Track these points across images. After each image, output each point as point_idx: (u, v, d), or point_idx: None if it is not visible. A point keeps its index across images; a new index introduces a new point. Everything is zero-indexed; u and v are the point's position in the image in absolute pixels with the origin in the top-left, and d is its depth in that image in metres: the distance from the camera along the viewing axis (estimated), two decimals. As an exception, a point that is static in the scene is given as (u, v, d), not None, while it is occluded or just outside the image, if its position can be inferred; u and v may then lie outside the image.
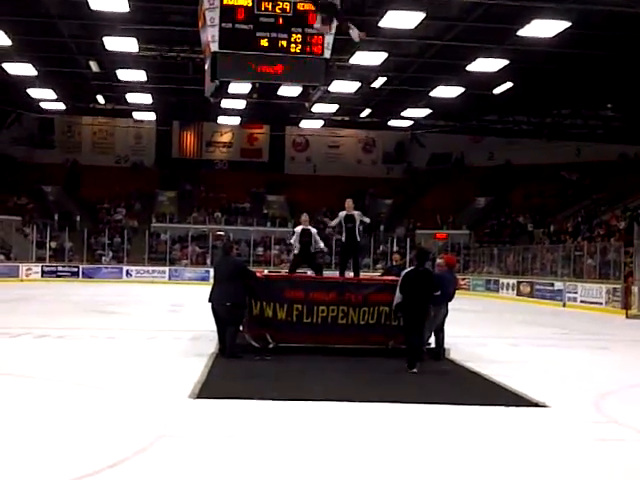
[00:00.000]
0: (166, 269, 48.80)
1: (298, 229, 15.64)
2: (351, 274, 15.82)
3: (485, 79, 35.01)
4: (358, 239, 15.42)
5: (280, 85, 24.02)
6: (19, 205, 51.54)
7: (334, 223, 15.81)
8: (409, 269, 12.58)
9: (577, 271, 35.44)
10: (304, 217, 15.96)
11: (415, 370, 12.07)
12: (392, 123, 48.20)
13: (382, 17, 26.21)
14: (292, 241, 15.95)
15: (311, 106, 38.10)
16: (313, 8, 15.23)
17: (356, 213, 15.44)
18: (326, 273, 16.44)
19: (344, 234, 15.38)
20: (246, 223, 54.60)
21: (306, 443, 7.76)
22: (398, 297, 12.47)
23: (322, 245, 15.69)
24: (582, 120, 46.70)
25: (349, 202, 15.60)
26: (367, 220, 15.77)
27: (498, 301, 38.51)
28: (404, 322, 12.61)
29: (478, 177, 55.90)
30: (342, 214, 15.44)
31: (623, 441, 8.23)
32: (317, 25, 15.05)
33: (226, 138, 61.50)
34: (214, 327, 13.58)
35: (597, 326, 24.06)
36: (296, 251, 15.58)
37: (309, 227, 15.60)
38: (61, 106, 45.14)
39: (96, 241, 51.31)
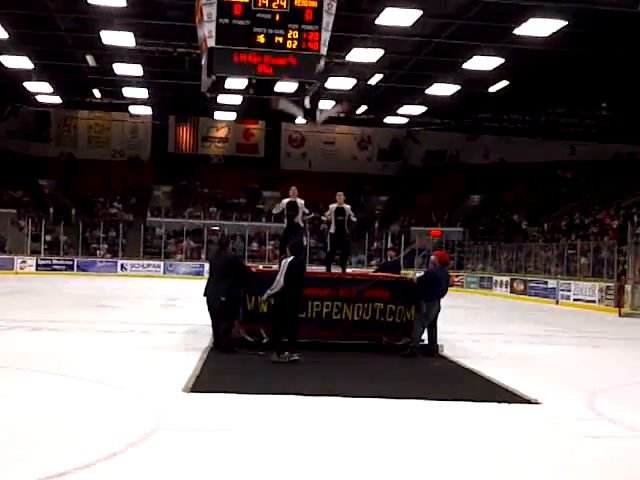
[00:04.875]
0: (161, 263, 48.81)
1: (285, 200, 15.70)
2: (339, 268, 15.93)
3: (481, 77, 35.09)
4: (347, 232, 15.67)
5: (276, 81, 24.00)
6: (14, 198, 51.48)
7: (327, 216, 15.81)
8: (291, 259, 12.48)
9: (570, 269, 35.53)
10: (292, 191, 15.88)
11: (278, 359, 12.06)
12: (388, 120, 48.26)
13: (379, 14, 26.26)
14: (275, 211, 16.08)
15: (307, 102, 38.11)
16: (312, 4, 15.29)
17: (347, 207, 15.61)
18: (317, 268, 16.52)
19: (334, 226, 15.55)
20: (241, 218, 54.60)
21: (299, 438, 7.79)
22: (280, 284, 12.28)
23: (307, 211, 15.70)
24: (577, 119, 46.83)
25: (340, 195, 15.77)
26: (354, 219, 15.82)
27: (491, 298, 38.58)
28: (277, 312, 12.46)
29: (473, 175, 55.94)
30: (333, 206, 15.63)
31: (614, 438, 8.28)
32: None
33: (222, 133, 61.47)
34: (209, 321, 13.62)
35: (590, 324, 24.13)
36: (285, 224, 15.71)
37: (296, 200, 15.63)
38: (57, 99, 45.12)
39: (91, 235, 51.28)
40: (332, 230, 15.61)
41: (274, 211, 16.39)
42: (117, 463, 6.58)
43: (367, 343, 14.16)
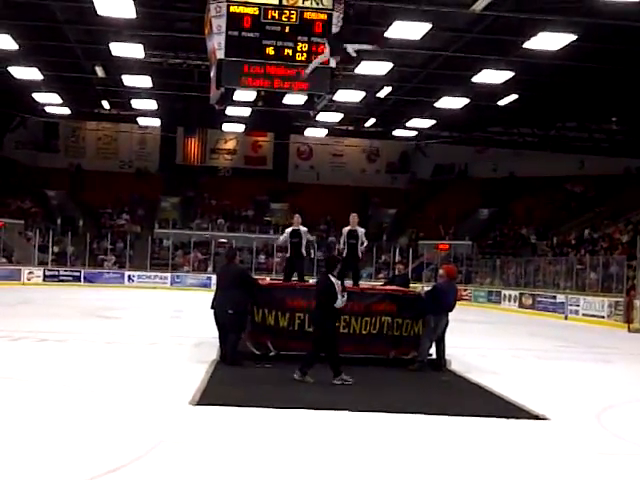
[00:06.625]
0: (168, 275, 48.77)
1: (288, 230, 15.57)
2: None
3: (490, 91, 35.05)
4: (360, 255, 15.24)
5: (285, 93, 24.00)
6: (22, 209, 51.55)
7: (342, 244, 15.37)
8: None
9: (579, 284, 35.38)
10: (296, 218, 15.84)
11: (296, 377, 11.72)
12: (396, 133, 48.25)
13: (388, 27, 26.23)
14: (280, 242, 15.80)
15: (316, 115, 38.19)
16: (322, 17, 15.33)
17: (360, 230, 15.24)
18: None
19: (346, 249, 15.15)
20: (249, 230, 54.60)
21: (305, 452, 7.74)
22: None
23: (311, 238, 15.53)
24: (587, 133, 46.77)
25: (354, 217, 15.44)
26: (365, 243, 15.25)
27: (500, 312, 38.43)
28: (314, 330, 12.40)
29: (481, 188, 55.87)
30: (346, 230, 15.29)
31: (624, 455, 8.21)
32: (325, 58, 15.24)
33: (230, 145, 61.54)
34: (216, 334, 13.55)
35: (599, 339, 23.99)
36: (287, 254, 15.50)
37: (299, 227, 15.49)
38: (66, 111, 45.25)
39: (98, 246, 51.31)
40: (344, 254, 15.15)
41: (279, 243, 16.12)
42: (123, 475, 6.55)
43: (374, 357, 14.07)
